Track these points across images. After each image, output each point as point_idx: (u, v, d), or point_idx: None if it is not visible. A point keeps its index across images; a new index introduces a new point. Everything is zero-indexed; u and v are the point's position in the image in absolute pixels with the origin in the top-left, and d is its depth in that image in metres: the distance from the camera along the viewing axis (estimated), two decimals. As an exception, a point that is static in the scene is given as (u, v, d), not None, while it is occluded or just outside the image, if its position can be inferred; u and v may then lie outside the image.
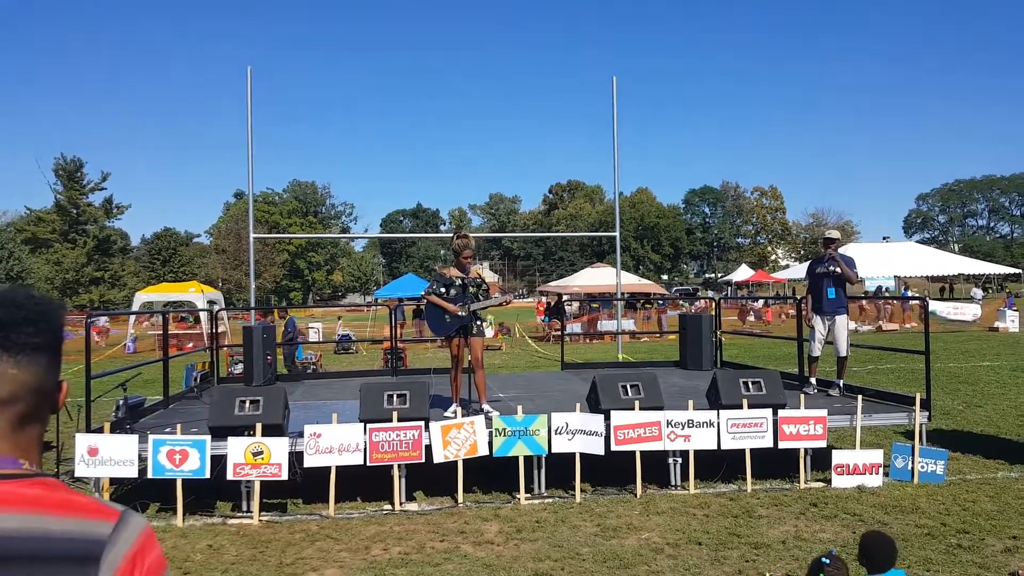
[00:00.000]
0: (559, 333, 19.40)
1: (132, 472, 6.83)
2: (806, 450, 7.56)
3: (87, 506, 1.22)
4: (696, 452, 7.42)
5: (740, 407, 7.60)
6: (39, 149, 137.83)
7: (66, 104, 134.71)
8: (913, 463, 7.53)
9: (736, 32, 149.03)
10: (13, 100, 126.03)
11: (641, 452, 7.31)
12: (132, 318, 29.22)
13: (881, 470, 7.48)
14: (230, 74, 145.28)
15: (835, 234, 9.61)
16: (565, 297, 33.64)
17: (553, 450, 7.26)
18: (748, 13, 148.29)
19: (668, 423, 7.41)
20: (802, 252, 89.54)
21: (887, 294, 33.88)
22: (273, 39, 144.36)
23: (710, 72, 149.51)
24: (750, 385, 7.84)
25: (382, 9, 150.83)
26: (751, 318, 35.52)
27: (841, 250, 9.56)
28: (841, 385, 9.21)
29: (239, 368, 13.27)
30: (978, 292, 31.60)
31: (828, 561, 3.62)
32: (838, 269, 9.07)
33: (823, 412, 7.66)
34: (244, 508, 6.93)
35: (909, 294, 33.35)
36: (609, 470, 7.65)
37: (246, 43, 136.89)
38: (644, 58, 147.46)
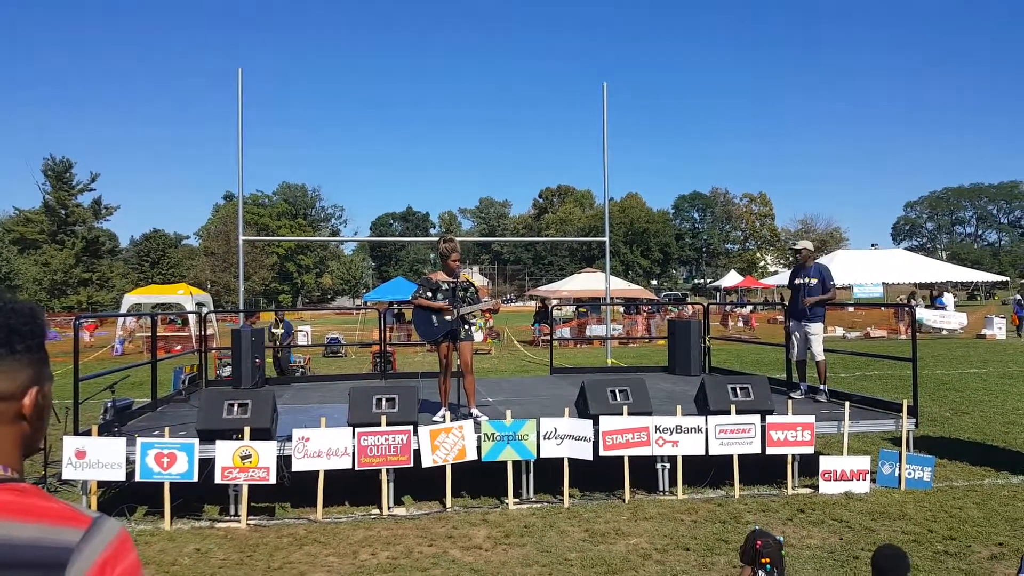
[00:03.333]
0: (548, 337, 19.42)
1: (120, 475, 6.79)
2: (794, 456, 7.59)
3: (58, 512, 1.20)
4: (684, 457, 7.43)
5: (728, 413, 7.63)
6: (28, 149, 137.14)
7: (56, 105, 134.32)
8: (900, 470, 7.56)
9: (727, 40, 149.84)
10: (3, 100, 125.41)
11: (629, 457, 7.32)
12: (120, 320, 29.07)
13: (868, 476, 7.51)
14: (220, 76, 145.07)
15: (805, 244, 9.75)
16: (554, 302, 33.67)
17: (541, 455, 7.27)
18: (739, 22, 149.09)
19: (656, 428, 7.42)
20: (791, 258, 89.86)
21: (919, 302, 33.62)
22: (264, 41, 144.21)
23: (700, 79, 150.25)
24: (738, 391, 7.86)
25: (374, 14, 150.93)
26: (739, 324, 35.62)
27: (825, 259, 9.74)
28: (825, 390, 9.28)
29: (227, 371, 13.21)
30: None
31: (783, 539, 3.69)
32: (812, 283, 9.31)
33: (811, 418, 7.69)
34: (232, 512, 6.91)
35: (944, 301, 32.74)
36: (597, 475, 7.67)
37: (237, 45, 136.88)
38: (635, 64, 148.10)
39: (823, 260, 8.93)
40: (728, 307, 37.91)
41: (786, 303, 10.12)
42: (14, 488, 1.22)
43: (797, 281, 9.57)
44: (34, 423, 1.31)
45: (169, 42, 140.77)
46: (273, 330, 17.05)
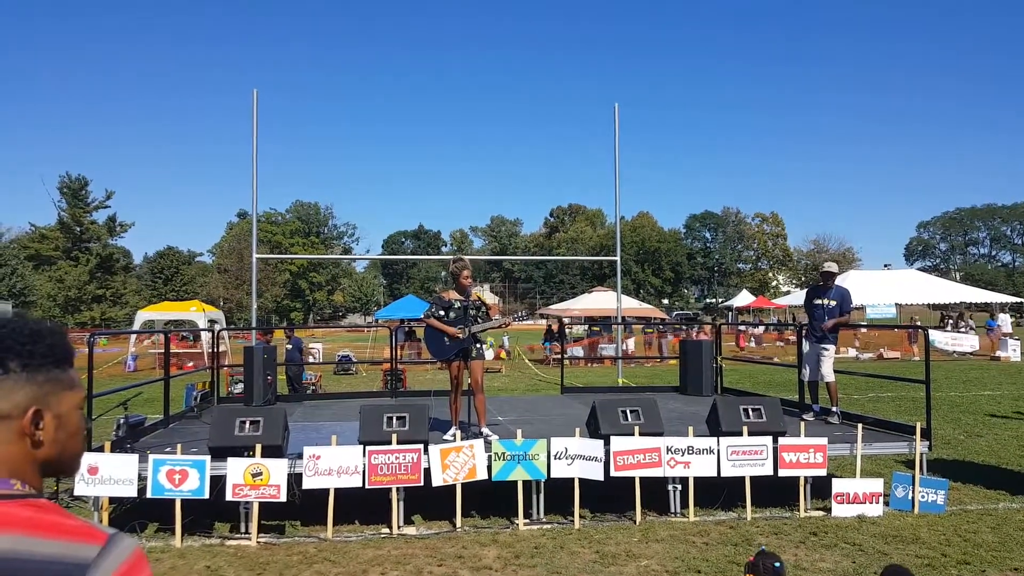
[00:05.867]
0: (559, 356, 19.39)
1: (131, 491, 6.82)
2: (806, 478, 7.55)
3: (76, 529, 1.21)
4: (696, 479, 7.40)
5: (740, 434, 7.60)
6: (44, 166, 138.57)
7: (72, 122, 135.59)
8: (914, 493, 7.51)
9: (738, 59, 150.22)
10: (19, 117, 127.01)
11: (641, 478, 7.29)
12: (133, 336, 29.24)
13: (881, 499, 7.46)
14: (235, 94, 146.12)
15: (835, 267, 9.76)
16: (567, 320, 33.66)
17: (552, 475, 7.24)
18: (750, 41, 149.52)
19: (668, 449, 7.40)
20: (803, 278, 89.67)
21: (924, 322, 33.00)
22: (278, 60, 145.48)
23: (712, 98, 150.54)
24: (750, 412, 7.83)
25: (387, 33, 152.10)
26: (751, 344, 35.49)
27: (840, 280, 9.76)
28: (837, 411, 9.24)
29: (239, 388, 13.26)
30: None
31: (780, 565, 3.67)
32: (832, 304, 9.29)
33: (823, 440, 7.65)
34: (242, 529, 6.91)
35: (996, 324, 31.93)
36: (608, 496, 7.64)
37: (252, 63, 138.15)
38: (647, 83, 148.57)
39: (837, 281, 8.99)
40: (742, 327, 37.73)
41: (798, 323, 10.11)
42: (32, 504, 1.23)
43: (816, 301, 9.53)
44: (45, 443, 1.30)
45: (184, 61, 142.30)
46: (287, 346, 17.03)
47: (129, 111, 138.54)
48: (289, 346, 16.85)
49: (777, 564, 3.67)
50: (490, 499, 7.61)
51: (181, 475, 6.80)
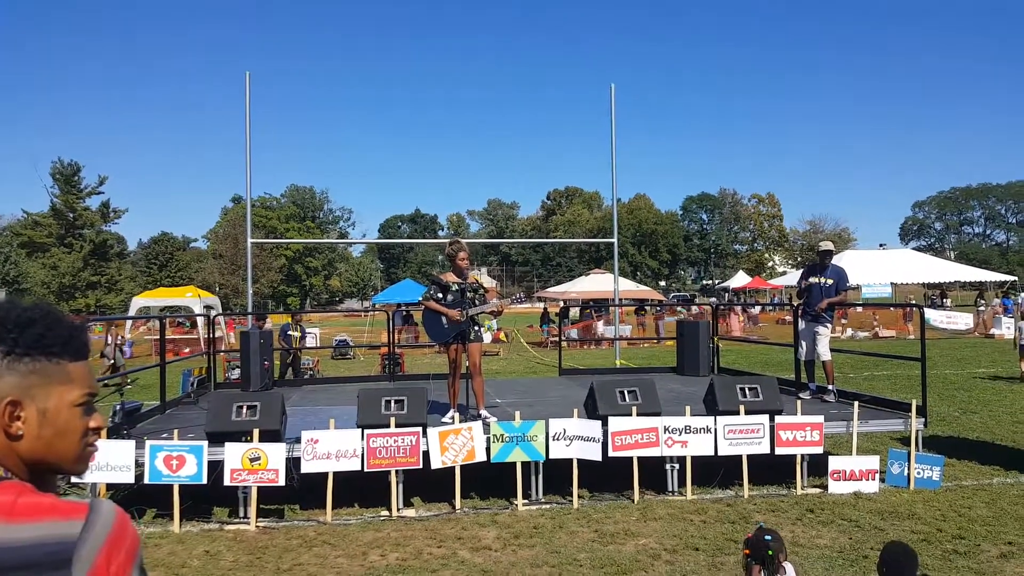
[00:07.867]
0: (557, 339, 19.41)
1: (129, 478, 6.82)
2: (803, 456, 7.58)
3: (55, 507, 1.18)
4: (693, 458, 7.43)
5: (737, 413, 7.62)
6: (37, 153, 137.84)
7: (64, 108, 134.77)
8: (909, 469, 7.54)
9: (734, 41, 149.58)
10: (12, 103, 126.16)
11: (639, 458, 7.32)
12: (128, 323, 29.18)
13: (878, 476, 7.49)
14: (229, 79, 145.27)
15: (831, 246, 9.76)
16: (562, 303, 33.64)
17: (551, 456, 7.26)
18: (746, 23, 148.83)
19: (665, 429, 7.42)
20: (799, 259, 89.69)
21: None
22: (272, 44, 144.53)
23: (708, 80, 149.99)
24: (747, 391, 7.85)
25: (381, 17, 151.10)
26: (748, 324, 35.54)
27: (835, 259, 9.76)
28: (834, 390, 9.27)
29: (236, 373, 13.25)
30: None
31: (770, 538, 3.67)
32: (828, 284, 9.28)
33: (820, 418, 7.68)
34: (241, 514, 6.93)
35: (1011, 302, 31.46)
36: (606, 476, 7.66)
37: (245, 48, 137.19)
38: (643, 65, 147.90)
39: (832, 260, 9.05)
40: (739, 307, 37.76)
41: (794, 303, 10.12)
42: (6, 487, 1.20)
43: (812, 280, 9.52)
44: (26, 438, 1.25)
45: (177, 45, 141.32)
46: (290, 332, 17.08)
47: (121, 96, 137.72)
48: (299, 333, 16.96)
49: (769, 537, 3.69)
50: (489, 481, 7.63)
51: (179, 460, 6.80)
